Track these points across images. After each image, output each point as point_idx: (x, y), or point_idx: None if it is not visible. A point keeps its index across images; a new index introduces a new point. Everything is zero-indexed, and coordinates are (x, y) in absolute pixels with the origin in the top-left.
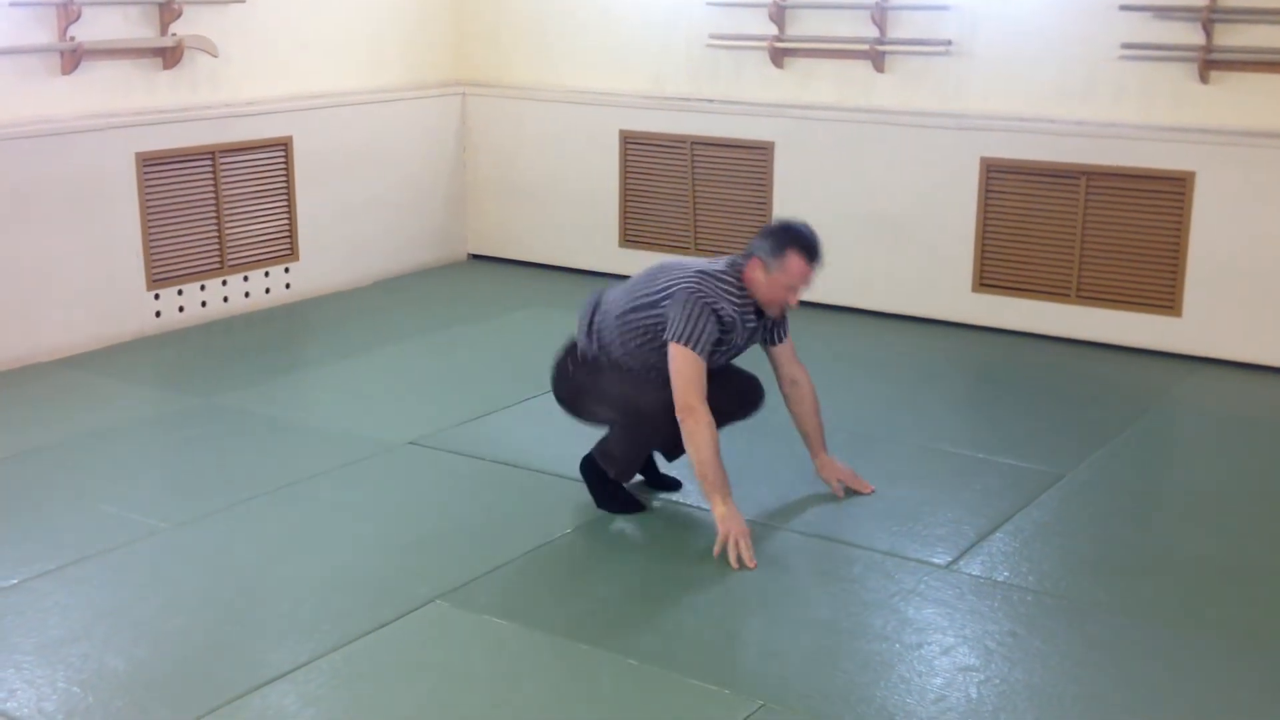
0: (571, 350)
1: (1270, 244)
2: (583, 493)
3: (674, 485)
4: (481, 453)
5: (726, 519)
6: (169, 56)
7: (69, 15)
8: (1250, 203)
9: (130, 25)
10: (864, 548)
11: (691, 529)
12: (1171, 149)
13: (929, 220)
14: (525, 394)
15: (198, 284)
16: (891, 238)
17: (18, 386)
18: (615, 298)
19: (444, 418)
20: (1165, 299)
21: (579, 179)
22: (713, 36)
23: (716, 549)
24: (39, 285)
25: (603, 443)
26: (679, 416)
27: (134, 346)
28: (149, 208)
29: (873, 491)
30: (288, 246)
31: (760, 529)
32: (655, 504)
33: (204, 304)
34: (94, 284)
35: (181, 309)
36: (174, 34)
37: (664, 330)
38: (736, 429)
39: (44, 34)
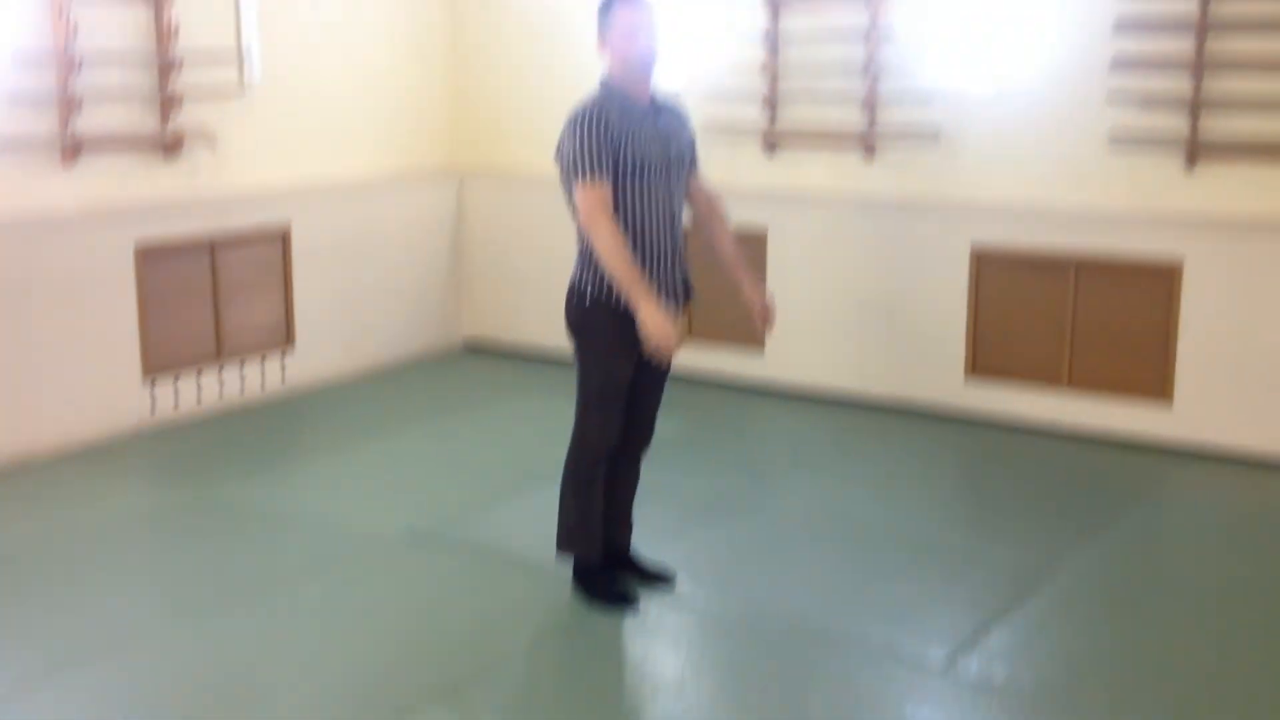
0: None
1: (1260, 332)
2: (564, 589)
3: (667, 580)
4: (476, 545)
5: (650, 319)
6: (169, 147)
7: (70, 108)
8: (1239, 291)
9: (131, 117)
10: (859, 643)
11: (681, 627)
12: (1160, 237)
13: (921, 306)
14: (520, 484)
15: (194, 374)
16: (884, 323)
17: (11, 482)
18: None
19: (439, 509)
20: (1157, 387)
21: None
22: (704, 126)
23: (646, 350)
24: (34, 377)
25: (559, 522)
26: (584, 229)
27: (129, 439)
28: (147, 298)
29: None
30: (284, 335)
31: (753, 620)
32: (648, 600)
33: (199, 395)
34: (90, 375)
35: (177, 399)
36: (175, 125)
37: (564, 173)
38: (731, 522)
39: (45, 126)
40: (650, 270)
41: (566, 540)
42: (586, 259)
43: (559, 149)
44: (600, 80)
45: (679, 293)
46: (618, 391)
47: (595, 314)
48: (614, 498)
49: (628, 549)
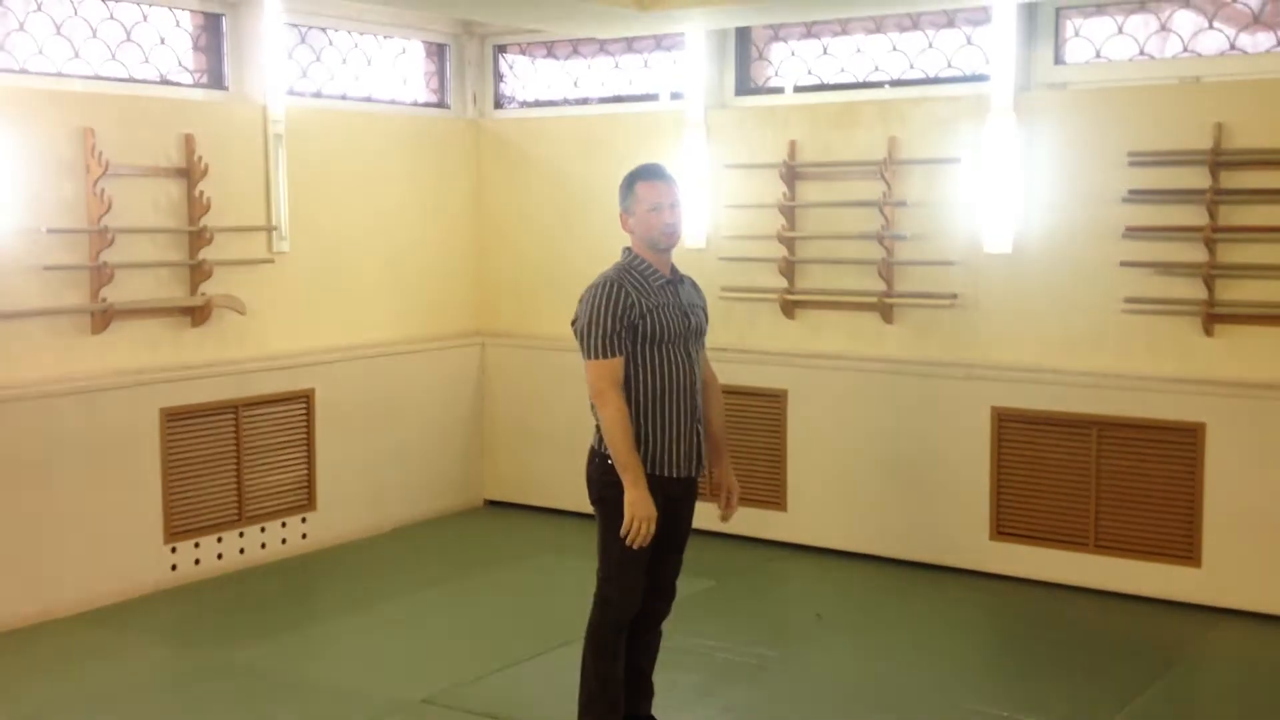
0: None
1: None
2: None
3: None
4: (496, 712)
5: (635, 503)
6: (198, 315)
7: (102, 278)
8: (1263, 453)
9: (161, 286)
10: None
11: None
12: (1180, 400)
13: (943, 468)
14: (541, 647)
15: (215, 536)
16: (906, 485)
17: (33, 643)
18: None
19: (459, 673)
20: (1183, 549)
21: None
22: (725, 289)
23: (623, 530)
24: (58, 540)
25: (579, 698)
26: (592, 401)
27: (150, 601)
28: (170, 461)
29: (730, 513)
30: (306, 496)
31: None
32: None
33: (220, 556)
34: (112, 538)
35: (198, 561)
36: (203, 293)
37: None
38: (758, 684)
39: (76, 296)
40: (670, 434)
41: (587, 708)
42: (600, 432)
43: (576, 319)
44: (624, 248)
45: (695, 457)
46: (639, 558)
47: (616, 480)
48: (634, 663)
49: (648, 715)
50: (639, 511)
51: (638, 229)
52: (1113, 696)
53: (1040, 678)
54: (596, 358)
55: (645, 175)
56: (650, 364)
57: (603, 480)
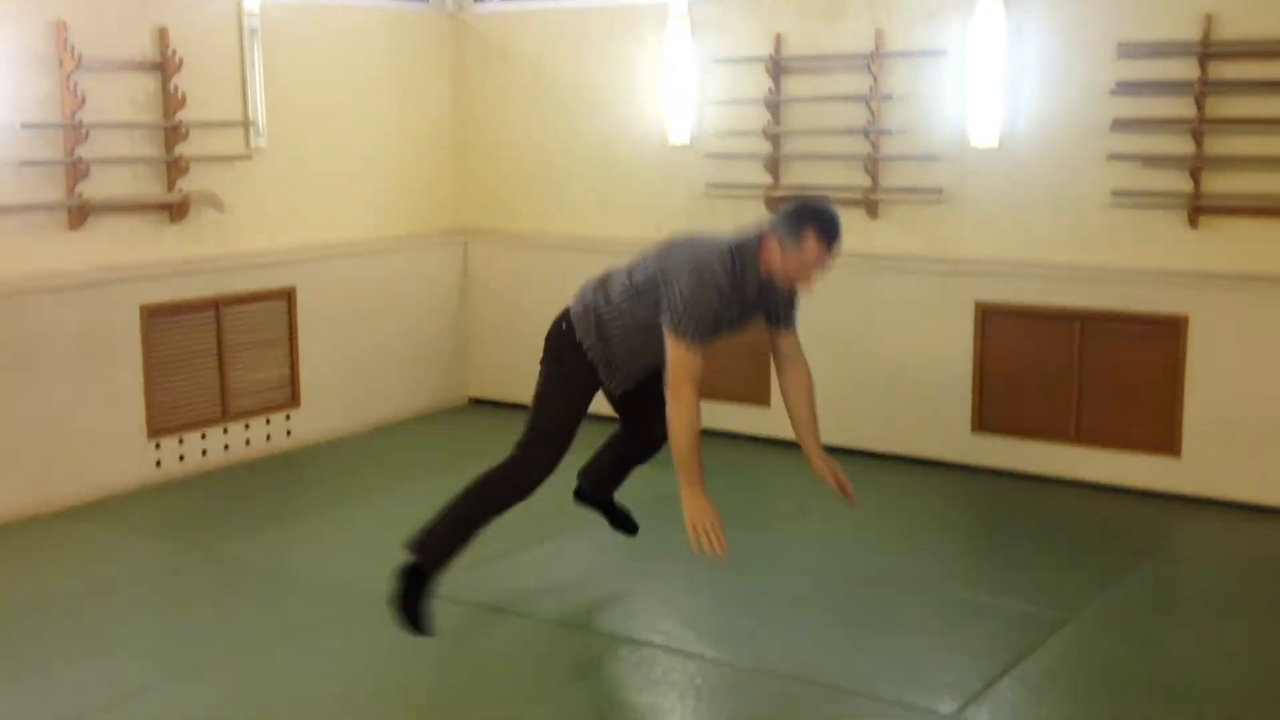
0: (562, 319)
1: (1266, 385)
2: (582, 641)
3: (631, 529)
4: (482, 601)
5: (692, 505)
6: (175, 211)
7: (77, 173)
8: (1245, 344)
9: (138, 182)
10: (869, 696)
11: (690, 681)
12: (1164, 293)
13: (926, 363)
14: (530, 539)
15: (199, 433)
16: (890, 379)
17: (19, 538)
18: (621, 273)
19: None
20: (1164, 440)
21: None
22: (710, 185)
23: (690, 537)
24: (41, 437)
25: (426, 532)
26: (666, 396)
27: (135, 496)
28: (152, 358)
29: (852, 497)
30: (290, 394)
31: (762, 673)
32: (643, 644)
33: (205, 452)
34: (96, 434)
35: (182, 458)
36: (181, 189)
37: (663, 304)
38: (740, 573)
39: (52, 191)
40: (632, 365)
41: (431, 546)
42: (591, 320)
43: (667, 280)
44: (745, 242)
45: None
46: (568, 430)
47: (574, 349)
48: (625, 460)
49: (612, 496)
50: (698, 517)
51: (785, 264)
52: (1090, 583)
53: (1019, 565)
54: (686, 338)
55: (825, 235)
56: (654, 330)
57: (563, 344)
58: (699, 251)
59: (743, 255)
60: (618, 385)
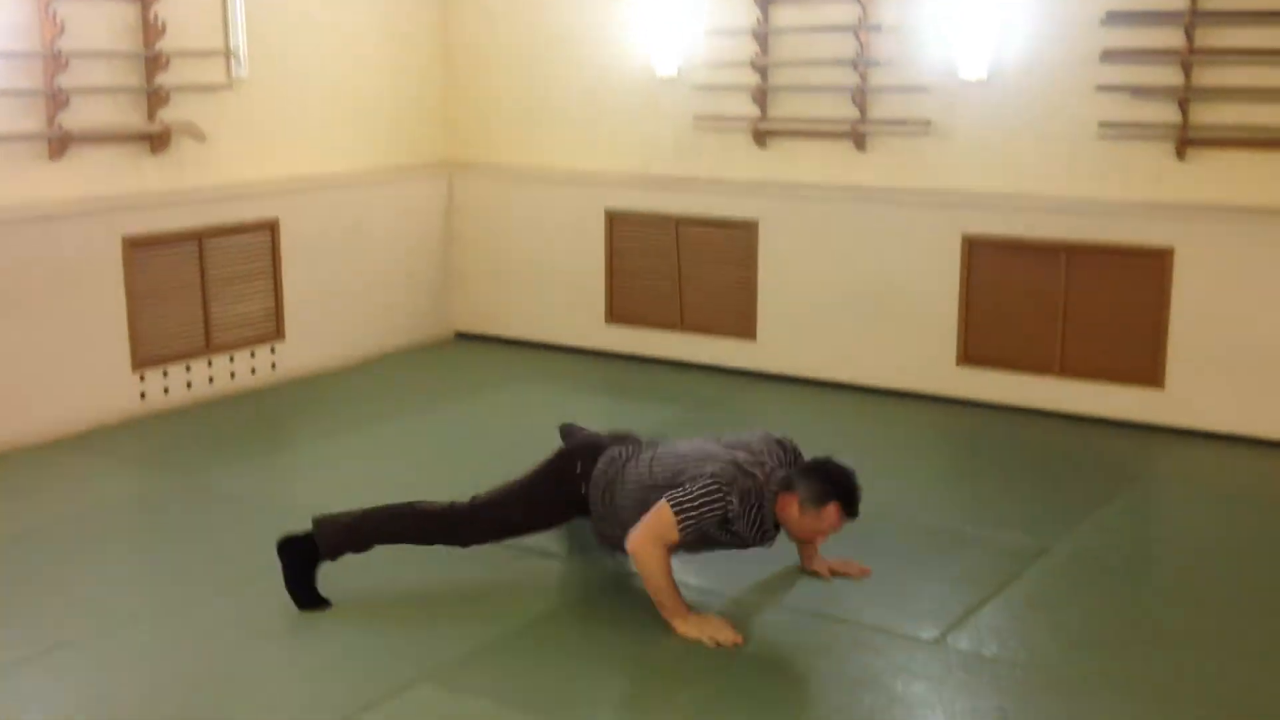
0: (591, 455)
1: (1250, 317)
2: (565, 570)
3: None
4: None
5: (691, 629)
6: (156, 142)
7: (57, 103)
8: (1229, 276)
9: (118, 112)
10: (851, 623)
11: None
12: (1151, 225)
13: (912, 295)
14: (510, 472)
15: (184, 365)
16: (875, 312)
17: (3, 469)
18: (646, 461)
19: (428, 496)
20: (1148, 372)
21: (566, 257)
22: (698, 117)
23: (710, 645)
24: (23, 368)
25: (329, 520)
26: (629, 550)
27: (119, 429)
28: (135, 290)
29: (867, 573)
30: (274, 327)
31: (745, 605)
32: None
33: (189, 385)
34: (79, 366)
35: (167, 390)
36: (161, 120)
37: (676, 489)
38: None
39: (32, 121)
40: None
41: (329, 531)
42: (602, 487)
43: (689, 475)
44: (772, 487)
45: None
46: (525, 531)
47: (576, 490)
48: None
49: None
50: (705, 631)
51: (800, 523)
52: (1072, 512)
53: (1002, 496)
54: (678, 523)
55: (848, 508)
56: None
57: (567, 480)
58: (729, 468)
59: (763, 508)
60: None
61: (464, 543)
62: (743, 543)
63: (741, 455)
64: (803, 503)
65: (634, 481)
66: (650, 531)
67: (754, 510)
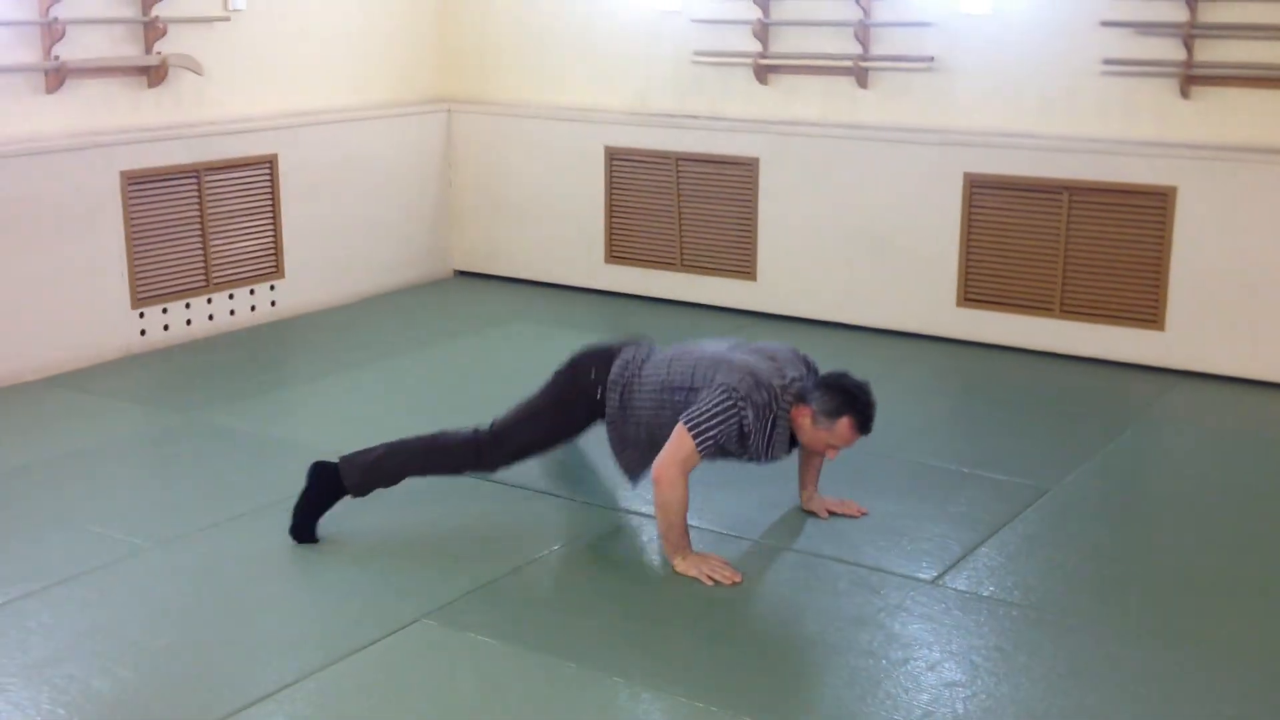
0: (604, 360)
1: (1252, 258)
2: (567, 509)
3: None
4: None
5: (690, 565)
6: (154, 75)
7: (53, 34)
8: (1232, 217)
9: (115, 44)
10: (849, 562)
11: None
12: (1154, 164)
13: (913, 235)
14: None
15: (183, 302)
16: (875, 252)
17: (3, 405)
18: (663, 361)
19: (431, 429)
20: (1149, 313)
21: (565, 195)
22: (697, 53)
23: (706, 582)
24: (22, 304)
25: (359, 458)
26: (654, 476)
27: (119, 365)
28: (134, 226)
29: (865, 513)
30: (273, 264)
31: (743, 544)
32: (633, 516)
33: (189, 322)
34: (78, 302)
35: (167, 327)
36: (159, 52)
37: (690, 407)
38: None
39: (28, 53)
40: None
41: (358, 471)
42: (619, 392)
43: (700, 390)
44: (787, 397)
45: None
46: (544, 450)
47: (591, 390)
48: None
49: None
50: (702, 567)
51: (807, 433)
52: (1072, 454)
53: (999, 436)
54: (696, 442)
55: (861, 423)
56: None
57: (581, 388)
58: (746, 379)
59: (777, 424)
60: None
61: (491, 467)
62: (755, 456)
63: (762, 365)
64: (816, 415)
65: (651, 381)
66: (673, 458)
67: (769, 424)
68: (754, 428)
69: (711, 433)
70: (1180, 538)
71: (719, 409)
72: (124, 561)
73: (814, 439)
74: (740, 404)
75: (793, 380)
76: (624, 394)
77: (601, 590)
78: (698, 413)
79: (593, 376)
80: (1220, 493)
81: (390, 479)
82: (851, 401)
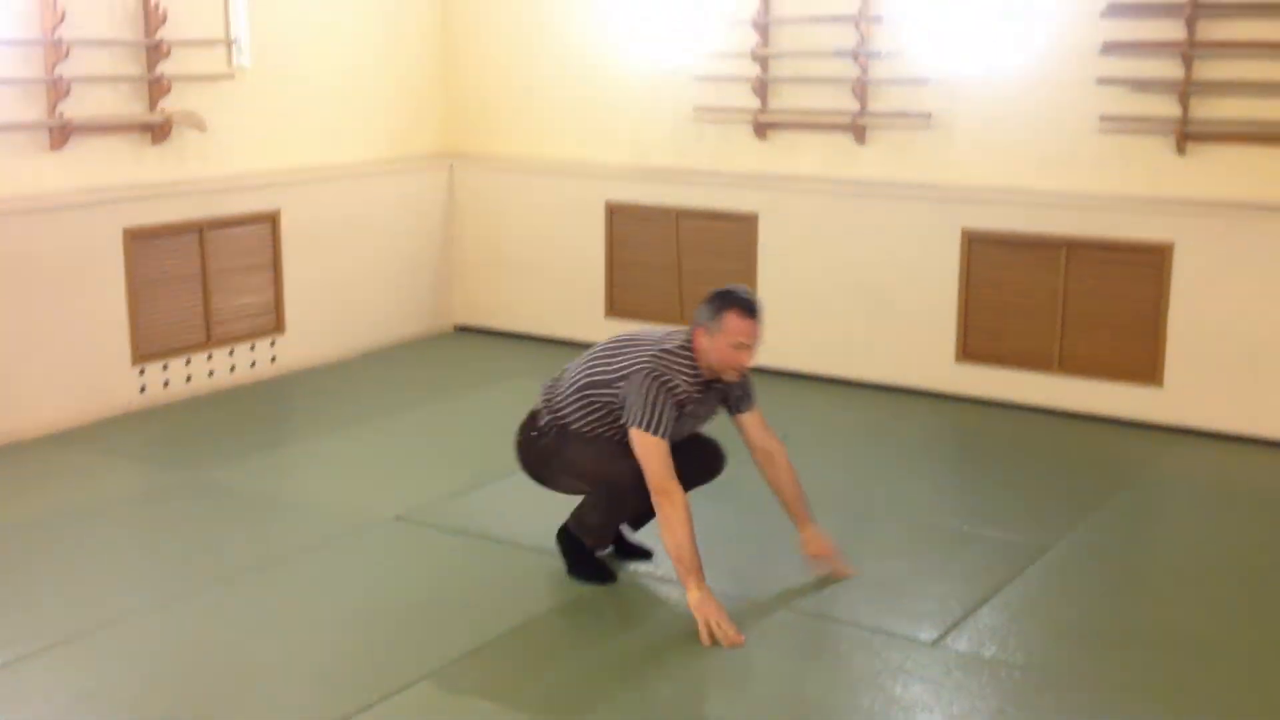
0: (533, 419)
1: (1249, 314)
2: (564, 567)
3: (645, 554)
4: (466, 527)
5: (701, 605)
6: (158, 132)
7: (59, 92)
8: (1229, 273)
9: (119, 101)
10: (849, 623)
11: (670, 604)
12: (1150, 220)
13: (911, 290)
14: (511, 467)
15: (184, 358)
16: (874, 307)
17: (2, 463)
18: (572, 369)
19: (429, 492)
20: (1147, 369)
21: (565, 250)
22: (697, 109)
23: (702, 637)
24: (23, 360)
25: (578, 512)
26: (653, 499)
27: (119, 422)
28: (135, 282)
29: (856, 575)
30: (274, 320)
31: (742, 603)
32: (629, 574)
33: (189, 379)
34: (79, 359)
35: (167, 383)
36: (163, 109)
37: (622, 411)
38: (719, 497)
39: (33, 111)
40: None
41: (583, 530)
42: (555, 412)
43: (614, 376)
44: (680, 344)
45: None
46: (637, 474)
47: (543, 438)
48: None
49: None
50: (710, 615)
51: (711, 353)
52: (1071, 511)
53: (998, 494)
54: (650, 432)
55: (742, 308)
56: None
57: (533, 446)
58: (649, 358)
59: (680, 355)
60: None
61: (632, 490)
62: (698, 412)
63: (649, 339)
64: (704, 329)
65: (572, 385)
66: (651, 466)
67: (682, 372)
68: (679, 385)
69: (657, 416)
70: (1181, 598)
71: (650, 394)
72: (122, 622)
73: (719, 354)
74: (660, 376)
75: (674, 334)
76: (556, 413)
77: (596, 650)
78: (637, 410)
79: (544, 423)
80: (1220, 551)
81: (605, 527)
82: (725, 296)
